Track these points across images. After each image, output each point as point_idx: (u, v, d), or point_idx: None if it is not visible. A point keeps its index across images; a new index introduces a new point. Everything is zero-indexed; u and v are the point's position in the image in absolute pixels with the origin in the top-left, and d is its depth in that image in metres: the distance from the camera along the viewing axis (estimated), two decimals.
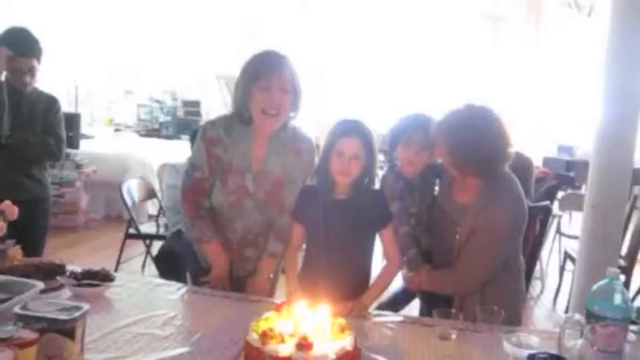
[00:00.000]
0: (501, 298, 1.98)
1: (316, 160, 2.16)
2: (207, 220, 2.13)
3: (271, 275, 2.22)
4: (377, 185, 2.23)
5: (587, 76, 7.28)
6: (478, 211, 1.99)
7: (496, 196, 1.99)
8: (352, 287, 2.01)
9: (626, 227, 3.72)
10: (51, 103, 2.95)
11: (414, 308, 2.45)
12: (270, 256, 2.17)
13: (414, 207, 2.25)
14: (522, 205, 2.03)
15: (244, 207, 2.13)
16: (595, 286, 1.42)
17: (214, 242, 2.13)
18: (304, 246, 2.21)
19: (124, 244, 4.23)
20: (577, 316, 1.47)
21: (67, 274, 1.93)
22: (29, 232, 2.74)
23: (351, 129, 2.00)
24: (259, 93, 2.02)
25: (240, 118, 2.10)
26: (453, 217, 2.07)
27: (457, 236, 2.04)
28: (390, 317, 1.95)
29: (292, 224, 2.13)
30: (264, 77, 2.02)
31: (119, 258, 4.19)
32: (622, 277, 1.43)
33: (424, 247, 2.23)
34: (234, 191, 2.12)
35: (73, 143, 5.84)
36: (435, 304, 1.89)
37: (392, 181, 2.27)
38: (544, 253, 4.77)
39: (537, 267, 4.57)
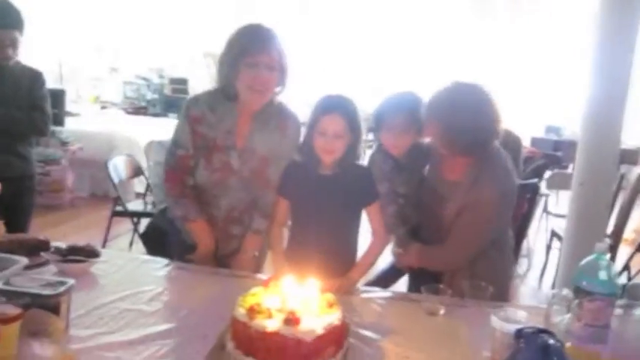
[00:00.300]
0: (491, 273, 1.99)
1: (302, 136, 2.13)
2: (191, 199, 2.11)
3: (256, 253, 2.21)
4: (365, 162, 2.22)
5: (574, 56, 7.28)
6: (468, 188, 1.99)
7: (486, 172, 1.98)
8: (339, 263, 2.00)
9: (612, 206, 3.74)
10: (35, 77, 2.89)
11: (401, 284, 2.46)
12: (254, 233, 2.15)
13: (402, 187, 2.23)
14: (512, 180, 2.03)
15: (229, 185, 2.10)
16: (583, 262, 1.42)
17: (199, 221, 2.11)
18: (289, 222, 2.20)
19: (110, 221, 4.20)
20: (565, 291, 1.48)
21: (52, 250, 1.90)
22: (14, 209, 2.71)
23: (333, 106, 1.96)
24: (246, 70, 1.97)
25: (225, 93, 2.06)
26: (443, 195, 2.07)
27: (447, 212, 2.03)
28: (378, 293, 1.95)
29: (277, 199, 2.11)
30: (251, 54, 1.96)
31: (106, 236, 4.16)
32: (608, 255, 1.43)
33: (413, 225, 2.23)
34: (218, 169, 2.09)
35: (58, 120, 5.78)
36: (424, 280, 1.89)
37: (380, 161, 2.25)
38: (531, 231, 4.79)
39: (524, 245, 4.61)
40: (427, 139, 2.16)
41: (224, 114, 2.08)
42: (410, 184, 2.22)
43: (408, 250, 2.16)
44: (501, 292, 2.06)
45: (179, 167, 2.11)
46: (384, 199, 2.15)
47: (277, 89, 2.09)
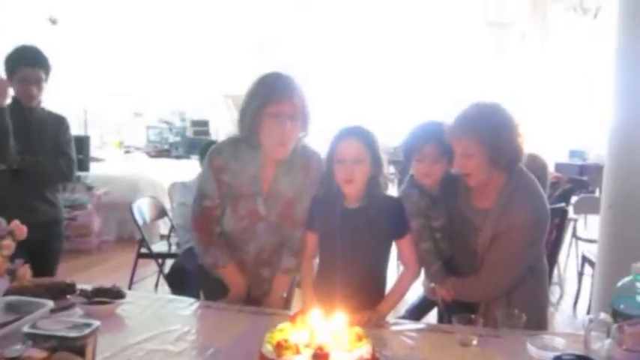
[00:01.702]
0: (528, 301, 1.95)
1: (321, 172, 2.10)
2: (220, 246, 2.11)
3: (285, 294, 2.20)
4: (392, 192, 2.19)
5: (594, 80, 7.24)
6: (500, 215, 1.94)
7: (517, 198, 1.94)
8: (367, 296, 1.95)
9: None
10: (59, 122, 2.93)
11: (432, 316, 2.40)
12: (284, 273, 2.14)
13: (438, 220, 2.17)
14: (544, 204, 1.98)
15: (256, 230, 2.10)
16: (619, 284, 1.37)
17: (230, 266, 2.11)
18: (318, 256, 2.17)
19: (136, 263, 4.21)
20: (602, 315, 1.42)
21: (78, 292, 1.90)
22: (43, 255, 2.73)
23: (350, 132, 1.95)
24: (269, 121, 1.95)
25: (248, 143, 2.04)
26: (475, 223, 2.02)
27: (479, 242, 1.99)
28: (409, 325, 1.90)
29: (305, 233, 2.09)
30: (273, 104, 1.94)
31: (132, 278, 4.17)
32: None
33: (446, 257, 2.18)
34: (245, 216, 2.08)
35: (83, 165, 5.87)
36: (456, 311, 1.83)
37: (416, 197, 2.16)
38: (561, 258, 4.68)
39: (555, 272, 4.50)
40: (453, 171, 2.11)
41: (248, 161, 2.06)
42: (445, 217, 2.17)
43: (443, 285, 2.10)
44: (539, 321, 2.00)
45: (206, 217, 2.11)
46: (419, 236, 2.10)
47: (301, 135, 2.07)
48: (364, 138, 1.93)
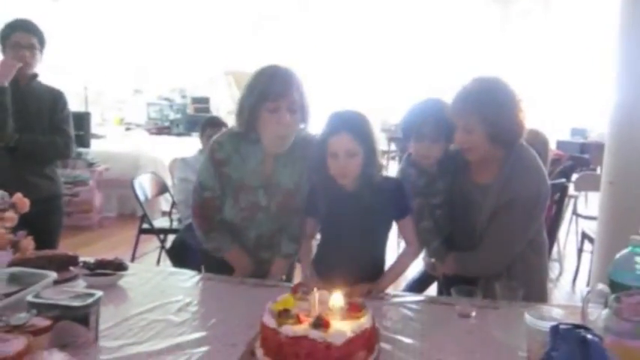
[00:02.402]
0: (528, 275, 1.96)
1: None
2: (221, 232, 2.13)
3: (283, 277, 2.23)
4: (392, 173, 2.19)
5: (597, 58, 7.18)
6: (500, 189, 1.94)
7: (517, 172, 1.93)
8: (367, 275, 1.96)
9: None
10: (57, 98, 2.91)
11: (432, 290, 2.42)
12: (283, 257, 2.16)
13: (436, 198, 2.15)
14: (544, 178, 1.98)
15: (257, 219, 2.12)
16: (618, 255, 1.38)
17: (235, 248, 2.13)
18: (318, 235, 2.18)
19: (138, 239, 4.23)
20: (600, 286, 1.43)
21: (80, 264, 1.92)
22: (43, 229, 2.73)
23: (339, 125, 1.89)
24: (268, 115, 1.94)
25: (248, 138, 2.04)
26: (475, 199, 2.02)
27: (479, 217, 1.99)
28: (408, 297, 1.92)
29: (305, 219, 2.09)
30: (271, 99, 1.93)
31: (134, 253, 4.20)
32: None
33: (445, 234, 2.18)
34: (246, 207, 2.10)
35: (84, 142, 5.88)
36: (456, 283, 1.85)
37: (414, 176, 2.15)
38: (561, 235, 4.71)
39: (555, 249, 4.52)
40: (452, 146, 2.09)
41: (249, 155, 2.06)
42: (443, 194, 2.15)
43: (443, 261, 2.12)
44: (539, 294, 2.02)
45: (207, 207, 2.12)
46: (418, 215, 2.09)
47: (301, 126, 2.05)
48: (356, 131, 1.87)
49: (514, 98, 1.94)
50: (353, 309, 1.44)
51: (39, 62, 2.85)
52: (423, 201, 2.14)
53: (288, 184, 2.08)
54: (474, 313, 1.70)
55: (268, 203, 2.09)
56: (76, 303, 1.41)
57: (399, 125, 2.27)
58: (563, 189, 3.35)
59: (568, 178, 4.57)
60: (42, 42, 2.83)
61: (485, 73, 2.05)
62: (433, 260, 2.20)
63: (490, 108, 1.89)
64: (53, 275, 1.68)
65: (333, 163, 1.89)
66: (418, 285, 2.50)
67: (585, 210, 5.31)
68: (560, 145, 7.88)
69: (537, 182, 1.96)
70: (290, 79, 1.97)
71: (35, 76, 2.86)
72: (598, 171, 6.06)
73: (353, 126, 1.87)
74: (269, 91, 1.93)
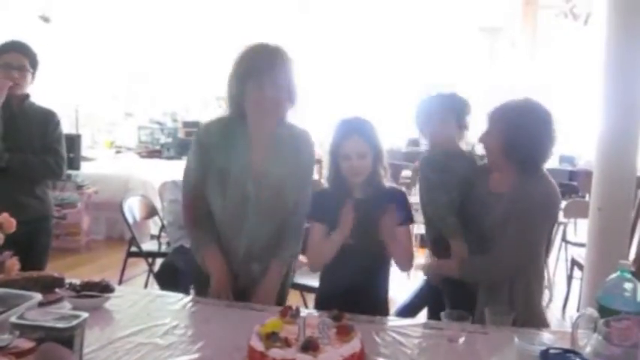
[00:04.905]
0: (527, 296, 2.00)
1: (317, 151, 2.18)
2: (204, 228, 2.10)
3: (278, 286, 2.16)
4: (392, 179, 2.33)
5: (585, 85, 7.29)
6: (513, 197, 1.99)
7: (531, 181, 2.00)
8: (375, 277, 2.10)
9: (632, 233, 3.66)
10: (49, 118, 2.90)
11: (422, 316, 2.41)
12: (281, 260, 2.11)
13: (454, 178, 2.22)
14: (555, 190, 2.04)
15: (247, 214, 2.06)
16: (607, 280, 1.38)
17: (212, 247, 2.09)
18: None
19: (125, 262, 4.18)
20: (590, 311, 1.43)
21: (66, 286, 1.89)
22: (31, 250, 2.70)
23: (351, 130, 2.05)
24: (253, 91, 1.96)
25: (236, 121, 2.05)
26: (488, 206, 2.07)
27: (490, 224, 2.03)
28: (398, 321, 1.91)
29: (312, 227, 2.12)
30: (256, 75, 1.95)
31: (121, 276, 4.14)
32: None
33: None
34: (235, 199, 2.05)
35: (74, 164, 5.83)
36: (455, 292, 1.86)
37: (432, 155, 2.31)
38: (551, 261, 4.71)
39: (545, 275, 4.51)
40: (480, 150, 2.21)
41: (237, 141, 2.05)
42: (457, 190, 2.21)
43: (453, 249, 2.15)
44: (536, 317, 2.04)
45: (194, 194, 2.11)
46: (433, 191, 2.21)
47: (288, 108, 2.07)
48: (365, 134, 2.04)
49: (541, 128, 2.01)
50: (342, 332, 1.43)
51: (30, 84, 2.85)
52: (438, 178, 2.23)
53: (278, 174, 2.05)
54: (463, 338, 1.69)
55: (257, 195, 2.04)
56: (61, 325, 1.38)
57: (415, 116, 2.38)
58: None
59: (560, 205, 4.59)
60: (34, 64, 2.83)
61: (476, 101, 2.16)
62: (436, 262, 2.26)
63: (511, 125, 1.99)
64: (38, 297, 1.65)
65: (346, 165, 2.04)
66: (408, 310, 2.50)
67: (574, 237, 5.32)
68: (549, 172, 7.93)
69: (548, 189, 2.02)
70: (276, 57, 1.99)
71: (27, 96, 2.85)
72: (587, 198, 6.10)
73: (362, 130, 2.06)
74: (254, 67, 1.96)
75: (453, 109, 2.24)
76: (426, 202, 2.32)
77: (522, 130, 1.97)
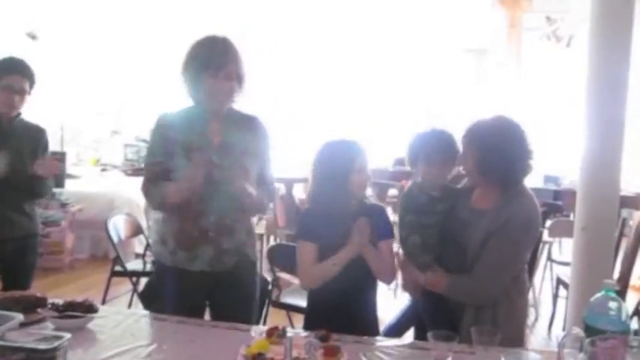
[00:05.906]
0: (511, 315, 1.99)
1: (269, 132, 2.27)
2: (158, 183, 2.14)
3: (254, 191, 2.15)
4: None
5: (569, 106, 7.40)
6: (495, 214, 2.00)
7: (514, 199, 2.01)
8: (363, 289, 2.13)
9: (616, 252, 3.70)
10: (39, 135, 2.88)
11: (408, 336, 2.40)
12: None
13: (433, 218, 2.20)
14: (535, 207, 2.05)
15: (213, 181, 2.08)
16: (592, 299, 1.39)
17: (171, 184, 2.11)
18: None
19: (109, 281, 4.12)
20: (576, 330, 1.44)
21: (49, 306, 1.86)
22: (18, 267, 2.68)
23: (359, 147, 2.14)
24: (207, 85, 2.08)
25: (190, 107, 2.18)
26: (469, 222, 2.08)
27: (471, 241, 2.03)
28: (385, 342, 1.90)
29: (303, 245, 2.14)
30: (210, 69, 2.07)
31: (105, 296, 4.08)
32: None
33: (435, 256, 2.20)
34: (199, 164, 2.07)
35: (59, 182, 5.77)
36: (440, 325, 1.84)
37: (417, 193, 2.25)
38: (536, 281, 4.73)
39: (530, 295, 4.52)
40: (459, 168, 2.21)
41: (193, 119, 2.17)
42: (441, 216, 2.20)
43: (435, 275, 2.13)
44: (517, 337, 2.03)
45: (153, 176, 2.16)
46: (409, 229, 2.19)
47: (236, 95, 2.18)
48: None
49: (515, 144, 2.03)
50: (328, 353, 1.43)
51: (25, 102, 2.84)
52: (415, 219, 2.20)
53: (240, 145, 2.16)
54: (450, 358, 1.68)
55: (221, 162, 2.11)
56: (43, 346, 1.36)
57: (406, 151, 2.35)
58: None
59: (542, 225, 4.62)
60: (32, 86, 2.82)
61: (503, 113, 2.20)
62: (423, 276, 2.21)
63: (483, 146, 2.01)
64: (19, 317, 1.63)
65: (360, 178, 2.10)
66: (395, 330, 2.49)
67: (560, 256, 5.35)
68: (534, 192, 7.98)
69: (529, 209, 2.03)
70: (228, 50, 2.12)
71: (18, 114, 2.83)
72: (571, 217, 6.15)
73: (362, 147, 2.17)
74: (207, 62, 2.08)
75: (452, 154, 2.17)
76: (401, 238, 2.30)
77: (495, 150, 1.99)
